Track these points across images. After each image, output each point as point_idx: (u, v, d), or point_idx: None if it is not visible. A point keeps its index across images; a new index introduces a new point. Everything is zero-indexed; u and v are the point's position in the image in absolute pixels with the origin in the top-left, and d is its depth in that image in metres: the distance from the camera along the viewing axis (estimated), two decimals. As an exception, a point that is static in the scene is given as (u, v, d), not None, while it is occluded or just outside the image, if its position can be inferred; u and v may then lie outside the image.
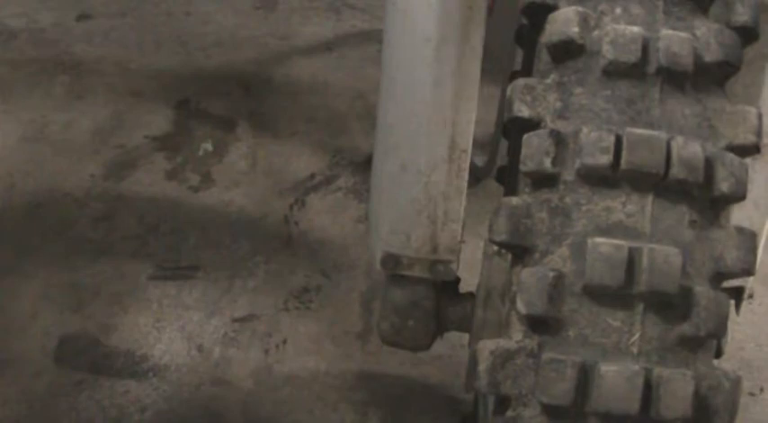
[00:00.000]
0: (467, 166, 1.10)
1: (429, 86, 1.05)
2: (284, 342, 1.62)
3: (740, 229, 0.74)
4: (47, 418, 1.48)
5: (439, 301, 1.14)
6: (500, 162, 1.53)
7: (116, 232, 1.81)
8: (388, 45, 1.06)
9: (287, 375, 1.57)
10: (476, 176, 1.74)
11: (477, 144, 1.28)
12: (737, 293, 1.07)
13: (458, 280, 1.15)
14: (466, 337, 1.16)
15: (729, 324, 1.05)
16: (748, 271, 0.74)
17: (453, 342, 1.30)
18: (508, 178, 1.31)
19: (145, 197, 1.88)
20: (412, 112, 1.07)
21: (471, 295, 1.15)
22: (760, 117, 0.77)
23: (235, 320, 1.65)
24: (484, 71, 1.05)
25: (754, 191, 0.96)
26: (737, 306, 1.10)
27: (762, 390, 1.61)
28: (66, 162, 1.96)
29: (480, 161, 1.80)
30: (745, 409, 1.57)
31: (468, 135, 1.09)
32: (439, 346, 1.19)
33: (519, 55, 1.32)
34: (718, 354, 0.94)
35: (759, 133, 0.76)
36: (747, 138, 0.76)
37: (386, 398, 1.54)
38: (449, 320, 1.15)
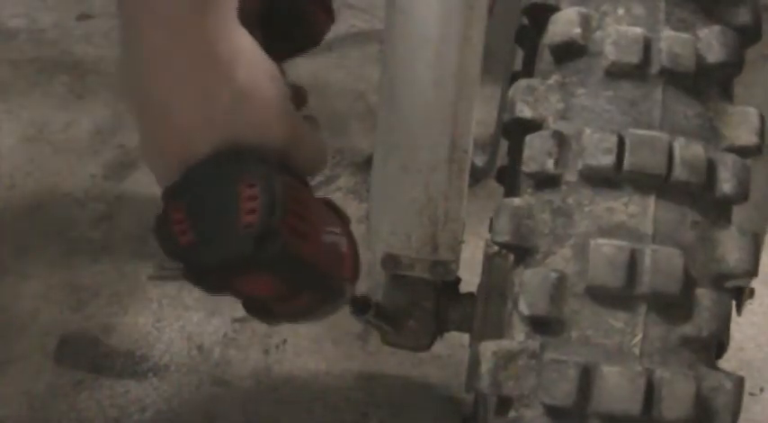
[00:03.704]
0: (468, 166, 1.10)
1: (429, 87, 1.05)
2: (284, 342, 1.62)
3: (742, 231, 0.74)
4: (47, 418, 1.48)
5: (439, 301, 1.14)
6: (500, 162, 1.53)
7: (116, 232, 1.81)
8: (388, 45, 1.06)
9: (287, 375, 1.57)
10: (476, 176, 1.74)
11: (478, 144, 1.28)
12: (738, 294, 1.07)
13: (458, 280, 1.15)
14: (466, 337, 1.16)
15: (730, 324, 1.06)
16: (751, 272, 0.74)
17: (453, 342, 1.30)
18: (508, 178, 1.31)
19: (145, 197, 1.88)
20: (412, 112, 1.07)
21: (472, 295, 1.14)
22: (762, 118, 0.77)
23: (235, 320, 1.65)
24: (484, 71, 1.05)
25: (754, 192, 0.96)
26: (739, 307, 1.09)
27: (762, 390, 1.61)
28: (66, 162, 1.96)
29: (480, 161, 1.80)
30: (745, 409, 1.56)
31: (469, 135, 1.08)
32: (439, 346, 1.19)
33: (519, 55, 1.32)
34: (720, 353, 0.94)
35: (761, 134, 0.76)
36: (749, 139, 0.76)
37: (386, 398, 1.54)
38: (449, 320, 1.15)
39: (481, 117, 1.08)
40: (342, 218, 0.86)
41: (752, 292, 1.18)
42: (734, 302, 1.07)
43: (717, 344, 0.77)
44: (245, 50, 0.71)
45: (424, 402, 1.54)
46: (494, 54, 1.29)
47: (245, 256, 0.70)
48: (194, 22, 0.67)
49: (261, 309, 0.80)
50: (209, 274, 0.72)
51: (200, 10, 0.67)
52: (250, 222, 0.69)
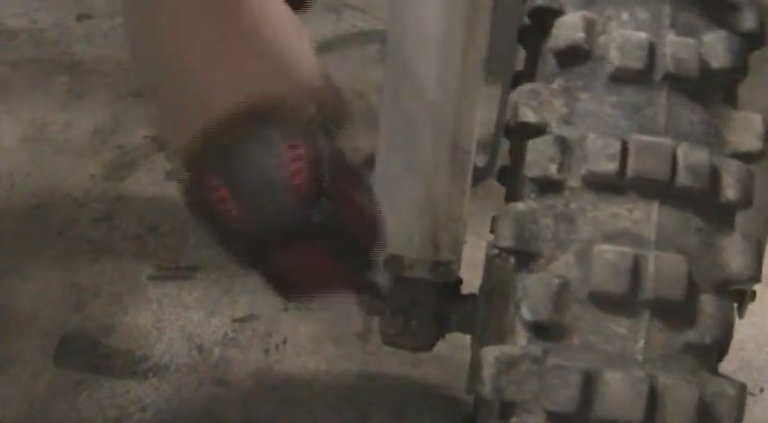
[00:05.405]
0: (469, 166, 1.10)
1: (432, 87, 1.05)
2: (284, 342, 1.62)
3: (746, 236, 0.74)
4: (47, 418, 1.47)
5: (441, 301, 1.14)
6: (500, 162, 1.53)
7: (116, 232, 1.81)
8: (390, 45, 1.06)
9: (287, 375, 1.57)
10: (476, 177, 1.74)
11: (478, 144, 1.27)
12: (740, 297, 1.07)
13: (460, 280, 1.15)
14: (467, 338, 1.16)
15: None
16: (754, 278, 0.74)
17: (454, 343, 1.30)
18: (509, 180, 1.30)
19: (145, 197, 1.88)
20: (414, 112, 1.07)
21: (473, 296, 1.14)
22: (766, 123, 0.76)
23: (235, 320, 1.65)
24: (485, 71, 1.05)
25: (757, 197, 0.96)
26: (741, 309, 1.09)
27: (762, 390, 1.61)
28: (66, 162, 1.96)
29: (481, 161, 1.80)
30: (745, 410, 1.57)
31: (471, 136, 1.08)
32: (439, 347, 1.19)
33: (521, 55, 1.32)
34: (721, 355, 0.94)
35: (765, 139, 0.76)
36: (753, 144, 0.75)
37: (386, 398, 1.54)
38: (450, 321, 1.15)
39: (482, 117, 1.08)
40: (365, 179, 0.79)
41: (753, 295, 1.18)
42: (736, 305, 1.07)
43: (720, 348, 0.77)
44: (274, 9, 0.67)
45: (424, 402, 1.54)
46: (495, 54, 1.29)
47: (298, 221, 0.65)
48: None
49: (283, 281, 0.71)
50: (253, 243, 0.66)
51: None
52: (299, 184, 0.64)
